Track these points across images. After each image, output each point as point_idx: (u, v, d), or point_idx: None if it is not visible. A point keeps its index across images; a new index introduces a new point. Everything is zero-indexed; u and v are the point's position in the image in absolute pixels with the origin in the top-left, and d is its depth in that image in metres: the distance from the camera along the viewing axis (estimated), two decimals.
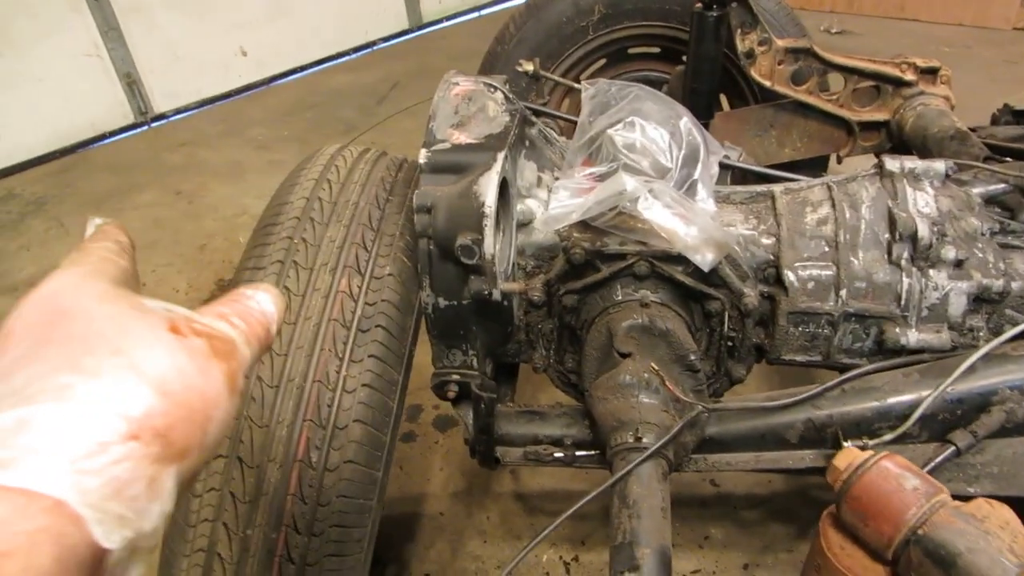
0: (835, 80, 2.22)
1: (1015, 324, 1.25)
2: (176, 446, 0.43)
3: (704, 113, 2.15)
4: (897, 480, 0.66)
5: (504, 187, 1.26)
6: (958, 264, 1.27)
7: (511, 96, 1.39)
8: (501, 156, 1.22)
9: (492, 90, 1.39)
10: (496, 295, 1.24)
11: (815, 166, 2.33)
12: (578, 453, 1.37)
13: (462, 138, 1.29)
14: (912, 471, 0.67)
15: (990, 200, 1.49)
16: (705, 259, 1.22)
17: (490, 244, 1.17)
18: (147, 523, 0.41)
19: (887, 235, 1.31)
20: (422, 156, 1.26)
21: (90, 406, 0.41)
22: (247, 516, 1.08)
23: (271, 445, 1.10)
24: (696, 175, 1.29)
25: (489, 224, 1.17)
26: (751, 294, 1.32)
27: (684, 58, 2.32)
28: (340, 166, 1.41)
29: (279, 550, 1.08)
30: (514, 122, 1.33)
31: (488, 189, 1.17)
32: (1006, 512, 0.64)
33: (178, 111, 4.93)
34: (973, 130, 2.02)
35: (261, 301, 0.55)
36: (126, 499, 0.40)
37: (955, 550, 0.60)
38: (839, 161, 2.30)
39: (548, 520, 2.04)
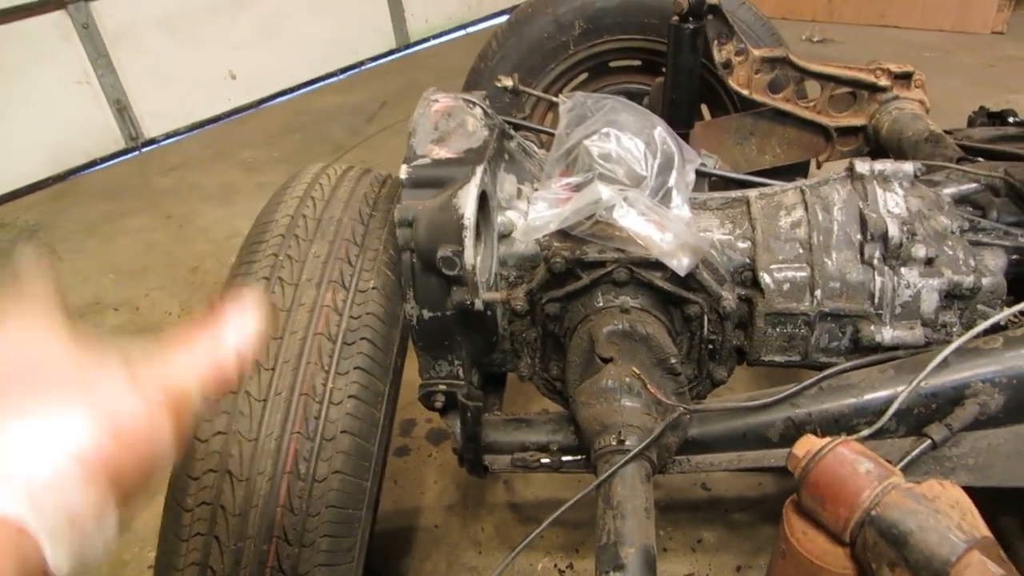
0: (812, 87, 2.26)
1: (987, 319, 1.28)
2: (124, 488, 0.47)
3: (684, 123, 2.19)
4: (852, 464, 0.69)
5: (484, 199, 1.29)
6: (929, 262, 1.30)
7: (490, 111, 1.43)
8: (480, 169, 1.25)
9: (471, 106, 1.42)
10: (479, 305, 1.27)
11: (795, 172, 2.37)
12: (564, 458, 1.39)
13: (442, 153, 1.32)
14: (866, 455, 0.70)
15: (962, 199, 1.52)
16: (681, 264, 1.25)
17: (470, 255, 1.20)
18: (91, 555, 0.46)
19: (859, 236, 1.34)
20: (403, 171, 1.29)
21: (52, 443, 0.44)
22: (238, 529, 1.10)
23: (260, 458, 1.12)
24: (671, 183, 1.32)
25: (469, 235, 1.19)
26: (729, 297, 1.35)
27: (664, 70, 2.36)
28: (324, 184, 1.45)
29: (270, 561, 1.09)
30: (493, 136, 1.36)
31: (467, 201, 1.20)
32: (956, 492, 0.66)
33: (168, 135, 4.97)
34: (949, 132, 2.06)
35: (233, 337, 0.56)
36: (77, 529, 0.44)
37: (906, 529, 0.63)
38: (818, 167, 2.34)
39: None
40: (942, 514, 0.62)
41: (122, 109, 4.70)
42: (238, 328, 0.57)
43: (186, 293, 3.33)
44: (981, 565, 0.59)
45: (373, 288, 1.28)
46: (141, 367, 0.51)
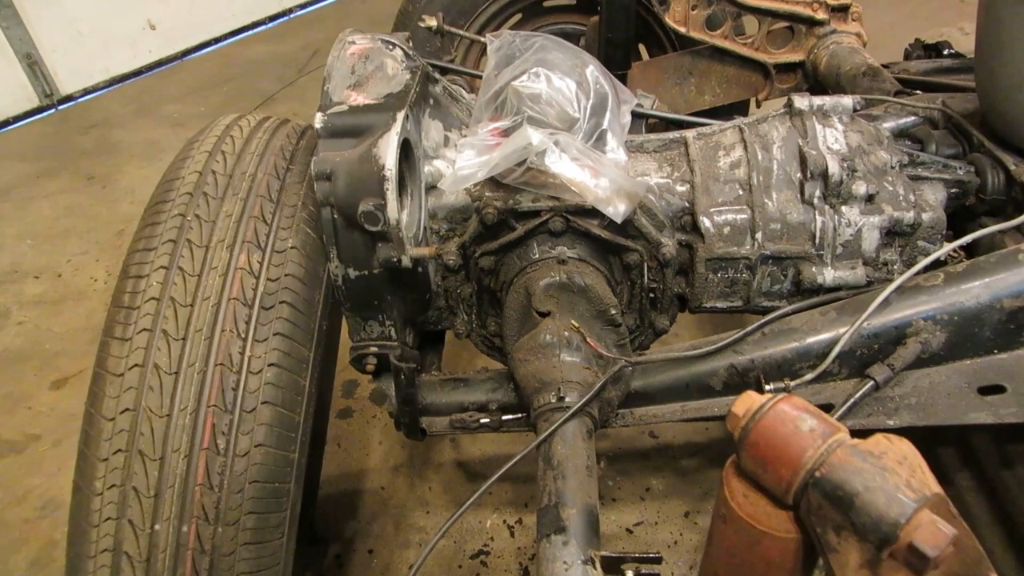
0: (750, 24, 2.20)
1: (927, 255, 1.25)
2: None
3: (621, 63, 2.11)
4: (794, 422, 0.65)
5: (408, 148, 1.21)
6: (869, 199, 1.27)
7: (412, 53, 1.33)
8: (401, 116, 1.16)
9: (391, 47, 1.32)
10: (406, 262, 1.19)
11: (736, 112, 2.32)
12: (505, 417, 1.35)
13: (360, 99, 1.22)
14: (810, 411, 0.66)
15: (901, 133, 1.49)
16: (617, 210, 1.19)
17: (394, 209, 1.12)
18: None
19: (799, 174, 1.30)
20: (317, 120, 1.19)
21: None
22: (153, 510, 1.02)
23: (174, 434, 1.04)
24: (605, 124, 1.26)
25: (391, 188, 1.11)
26: (668, 243, 1.30)
27: (600, 8, 2.27)
28: (236, 136, 1.34)
29: (191, 543, 1.02)
30: (415, 80, 1.27)
31: (388, 151, 1.12)
32: (904, 446, 0.63)
33: (86, 91, 4.68)
34: (886, 66, 2.03)
35: None
36: None
37: (852, 490, 0.59)
38: (758, 105, 2.30)
39: (491, 486, 2.04)
40: (890, 472, 0.59)
41: (33, 64, 4.39)
42: None
43: (112, 258, 3.16)
44: (932, 525, 0.55)
45: (292, 247, 1.19)
46: None
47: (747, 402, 0.69)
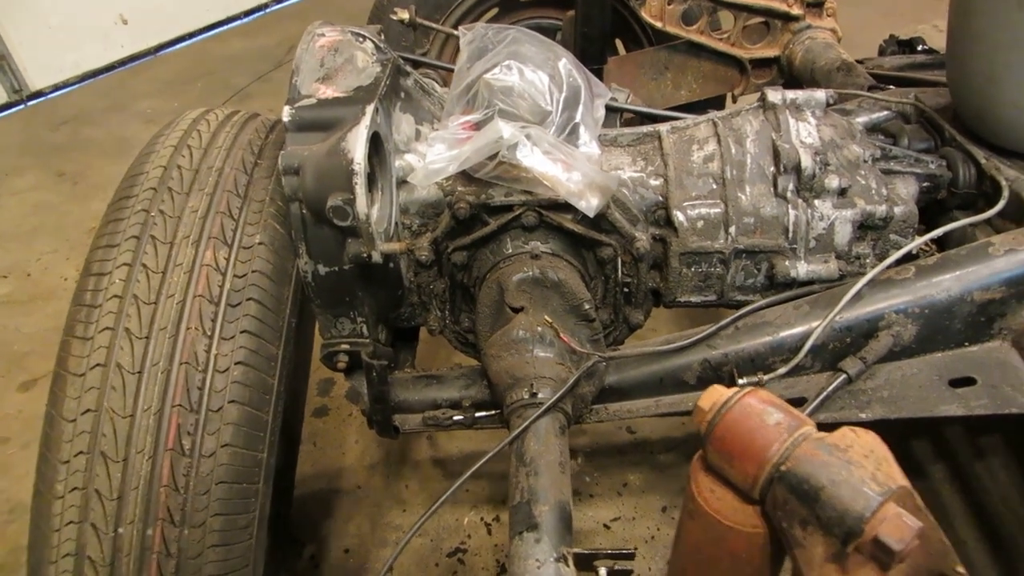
0: (726, 19, 2.20)
1: (899, 248, 1.26)
2: None
3: (597, 58, 2.10)
4: (760, 416, 0.64)
5: (377, 142, 1.19)
6: (842, 192, 1.27)
7: (382, 45, 1.31)
8: (370, 109, 1.14)
9: (361, 40, 1.30)
10: (376, 257, 1.18)
11: (712, 107, 2.32)
12: (478, 414, 1.33)
13: (328, 92, 1.21)
14: (775, 405, 0.65)
15: (874, 127, 1.50)
16: (590, 204, 1.18)
17: (363, 204, 1.10)
18: None
19: (772, 168, 1.29)
20: (285, 114, 1.17)
21: None
22: (116, 513, 1.00)
23: (137, 435, 1.02)
24: (578, 118, 1.25)
25: (360, 182, 1.09)
26: (642, 237, 1.30)
27: (575, 3, 2.25)
28: (202, 131, 1.31)
29: (156, 546, 1.00)
30: (385, 73, 1.25)
31: (357, 145, 1.10)
32: (870, 439, 0.62)
33: (57, 87, 4.60)
34: (861, 62, 2.04)
35: None
36: None
37: (818, 484, 0.58)
38: (734, 100, 2.30)
39: (468, 484, 2.02)
40: (855, 465, 0.58)
41: (1, 58, 4.32)
42: None
43: (83, 256, 3.08)
44: (897, 519, 0.55)
45: (259, 243, 1.17)
46: None
47: (713, 396, 0.69)
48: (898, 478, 0.59)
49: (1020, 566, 1.74)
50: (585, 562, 0.97)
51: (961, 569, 0.55)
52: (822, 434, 0.63)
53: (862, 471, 0.58)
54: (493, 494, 2.02)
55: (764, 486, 0.63)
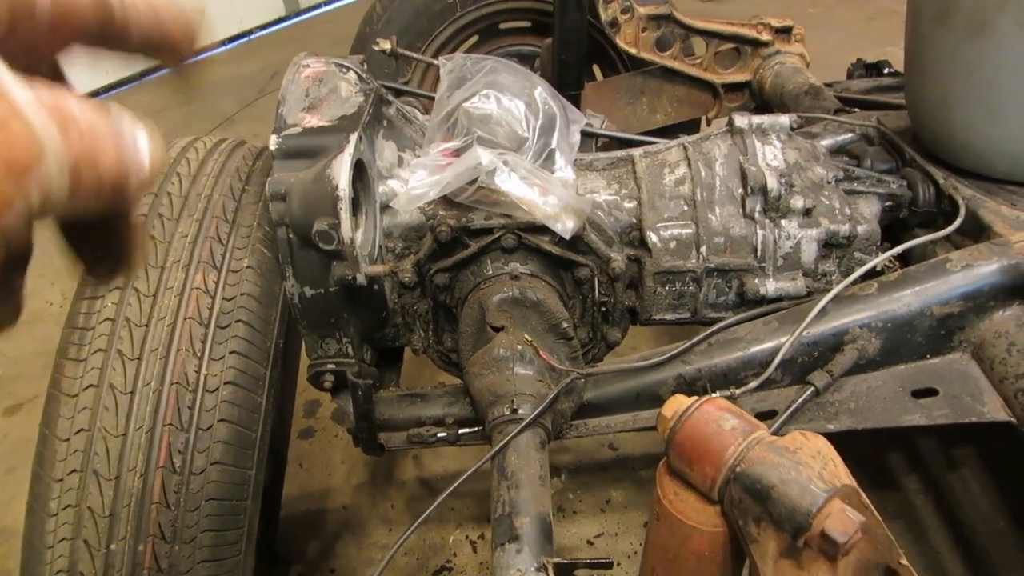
0: (698, 45, 2.28)
1: (863, 265, 1.31)
2: None
3: (574, 84, 2.17)
4: (717, 422, 0.68)
5: (361, 168, 1.24)
6: (807, 212, 1.33)
7: (365, 75, 1.36)
8: (354, 137, 1.19)
9: (344, 71, 1.35)
10: (361, 279, 1.22)
11: (687, 130, 2.39)
12: (461, 431, 1.37)
13: (314, 121, 1.25)
14: (732, 412, 0.70)
15: (839, 149, 1.56)
16: (566, 227, 1.23)
17: (347, 228, 1.15)
18: None
19: (740, 190, 1.35)
20: (272, 142, 1.22)
21: None
22: (108, 530, 1.03)
23: (129, 454, 1.05)
24: (554, 144, 1.30)
25: (345, 207, 1.14)
26: (617, 258, 1.34)
27: (553, 31, 2.32)
28: (191, 158, 1.35)
29: (147, 562, 1.03)
30: (368, 102, 1.30)
31: (342, 171, 1.15)
32: (819, 442, 0.67)
33: None
34: (829, 85, 2.12)
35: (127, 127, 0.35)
36: None
37: (769, 483, 0.63)
38: (708, 123, 2.37)
39: (453, 502, 2.05)
40: (803, 465, 0.63)
41: None
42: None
43: (67, 282, 3.12)
44: (841, 514, 0.59)
45: (248, 267, 1.21)
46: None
47: (674, 405, 0.73)
48: (843, 477, 0.64)
49: (993, 574, 1.79)
50: (565, 571, 1.01)
51: (904, 561, 0.59)
52: (774, 438, 0.67)
53: (809, 471, 0.62)
54: (478, 512, 2.05)
55: (722, 487, 0.67)
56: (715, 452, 0.66)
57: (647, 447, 2.22)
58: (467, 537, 2.00)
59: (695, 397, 0.71)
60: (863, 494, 0.63)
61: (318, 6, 6.20)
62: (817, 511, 0.60)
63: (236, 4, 5.57)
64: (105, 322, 1.12)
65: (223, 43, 5.56)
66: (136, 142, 0.34)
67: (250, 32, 5.72)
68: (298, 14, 6.04)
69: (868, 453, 2.07)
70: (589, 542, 1.97)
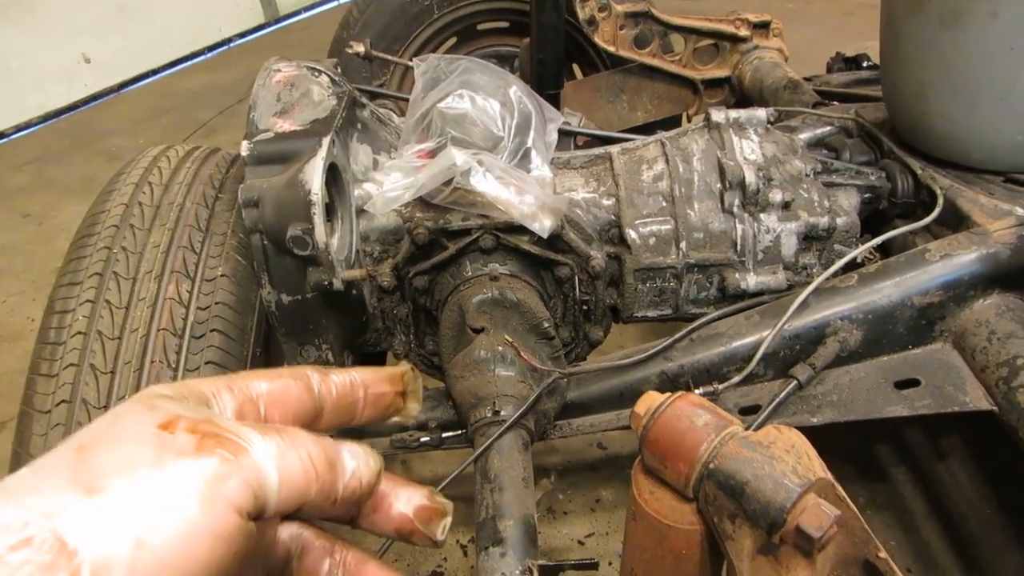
0: (677, 42, 2.27)
1: (843, 257, 1.31)
2: None
3: (554, 83, 2.16)
4: (690, 418, 0.67)
5: (335, 172, 1.22)
6: (786, 206, 1.32)
7: (338, 79, 1.35)
8: (327, 141, 1.18)
9: (316, 74, 1.34)
10: (337, 285, 1.20)
11: (668, 127, 2.38)
12: (444, 435, 1.35)
13: (286, 126, 1.24)
14: (704, 407, 0.69)
15: (817, 143, 1.56)
16: (543, 226, 1.22)
17: (322, 232, 1.13)
18: None
19: (719, 185, 1.34)
20: (244, 148, 1.20)
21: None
22: None
23: None
24: (529, 143, 1.29)
25: (318, 212, 1.13)
26: (597, 256, 1.34)
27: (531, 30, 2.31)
28: (163, 167, 1.34)
29: None
30: (341, 105, 1.29)
31: (314, 176, 1.13)
32: (793, 436, 0.66)
33: (19, 128, 4.59)
34: (809, 79, 2.12)
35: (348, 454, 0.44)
36: None
37: (743, 479, 0.62)
38: (689, 120, 2.37)
39: None
40: (777, 460, 0.62)
41: None
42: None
43: None
44: (816, 508, 0.58)
45: (222, 276, 1.20)
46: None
47: (647, 402, 0.72)
48: (818, 471, 0.63)
49: (982, 563, 1.79)
50: (550, 574, 1.00)
51: (883, 554, 0.58)
52: (747, 432, 0.67)
53: (783, 465, 0.61)
54: (468, 517, 2.02)
55: (696, 484, 0.66)
56: (688, 449, 0.65)
57: (636, 445, 2.19)
58: (457, 541, 1.98)
59: (668, 393, 0.71)
60: (839, 487, 0.63)
61: (297, 13, 6.17)
62: (791, 506, 0.59)
63: (215, 13, 5.54)
64: (77, 336, 1.10)
65: (203, 52, 5.52)
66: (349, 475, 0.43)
67: (229, 40, 5.69)
68: (277, 21, 6.01)
69: (857, 445, 2.07)
70: (580, 542, 1.96)
